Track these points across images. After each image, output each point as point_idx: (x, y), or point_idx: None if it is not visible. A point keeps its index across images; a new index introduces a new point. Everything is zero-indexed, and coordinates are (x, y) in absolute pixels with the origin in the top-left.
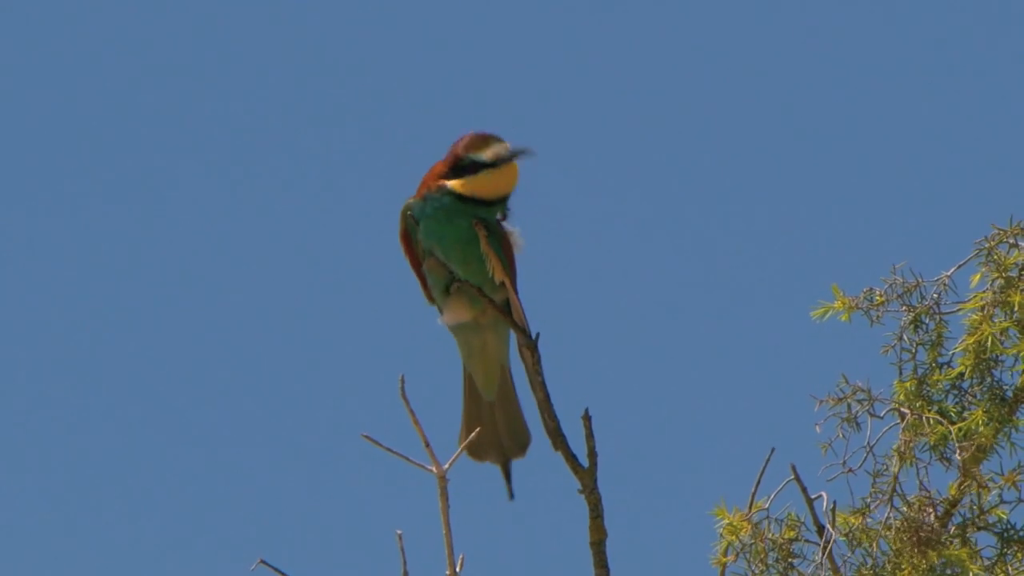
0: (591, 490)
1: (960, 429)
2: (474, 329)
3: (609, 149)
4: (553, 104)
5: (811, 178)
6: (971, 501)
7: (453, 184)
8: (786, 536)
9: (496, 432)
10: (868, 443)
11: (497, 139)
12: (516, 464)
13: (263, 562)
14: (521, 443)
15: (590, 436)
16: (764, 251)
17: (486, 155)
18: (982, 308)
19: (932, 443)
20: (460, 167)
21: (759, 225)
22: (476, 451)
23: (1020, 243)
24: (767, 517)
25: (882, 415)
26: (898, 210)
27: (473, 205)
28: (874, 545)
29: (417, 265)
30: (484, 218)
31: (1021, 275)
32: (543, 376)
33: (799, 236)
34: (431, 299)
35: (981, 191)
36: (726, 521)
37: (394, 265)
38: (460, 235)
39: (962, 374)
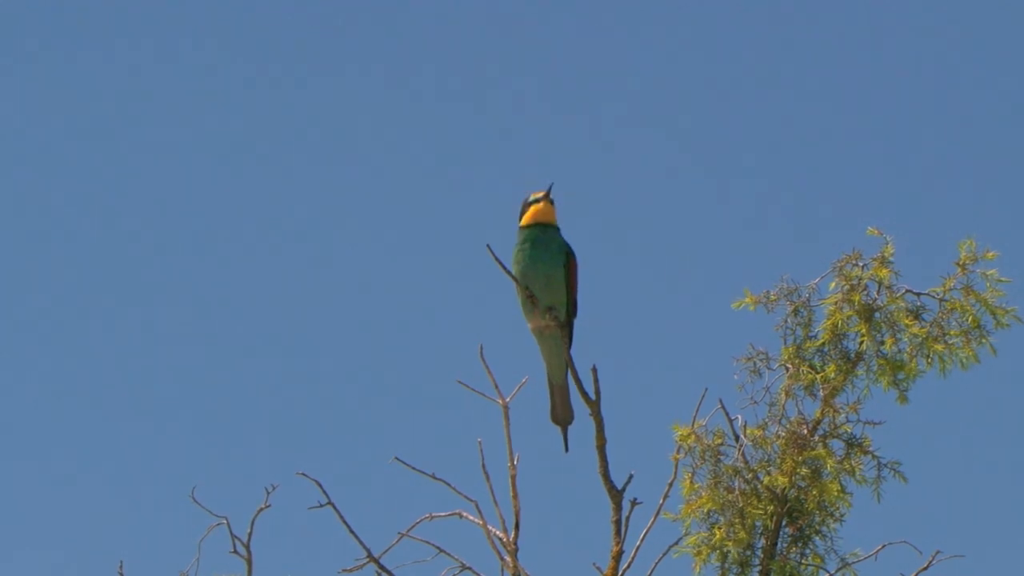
0: (597, 413)
1: (822, 377)
2: (543, 334)
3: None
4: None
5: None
6: (829, 420)
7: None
8: (715, 442)
9: (561, 405)
10: (766, 385)
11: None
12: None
13: (397, 459)
14: (571, 416)
15: (596, 381)
16: (703, 265)
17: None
18: (835, 303)
19: (805, 385)
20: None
21: (699, 247)
22: (553, 418)
23: (858, 263)
24: (704, 431)
25: (774, 368)
26: (786, 239)
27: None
28: (769, 447)
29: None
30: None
31: (859, 283)
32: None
33: (727, 255)
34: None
35: (838, 225)
36: (679, 433)
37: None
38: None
39: (823, 343)
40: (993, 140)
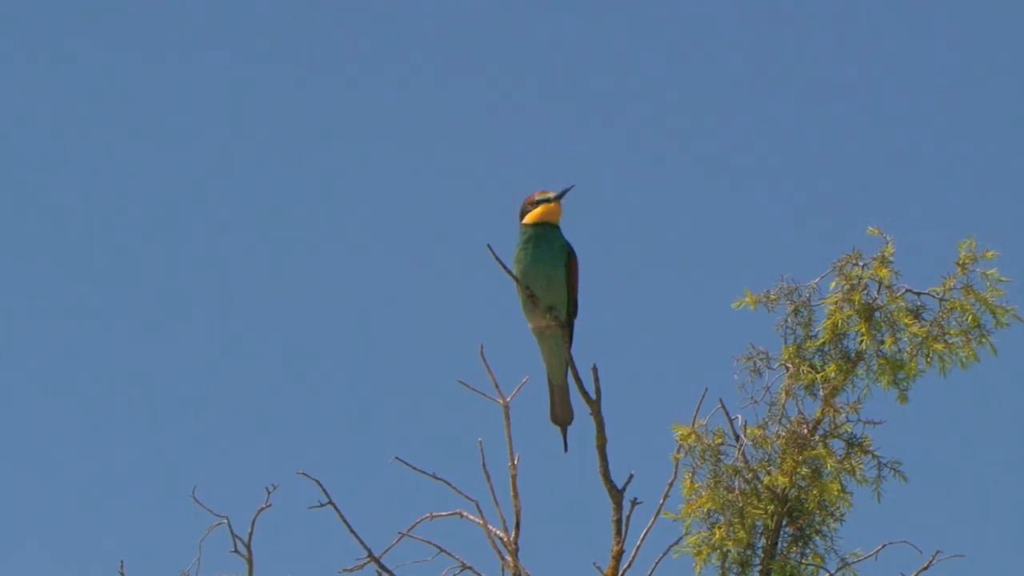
0: (597, 413)
1: (822, 376)
2: (544, 334)
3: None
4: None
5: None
6: (829, 420)
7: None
8: (716, 442)
9: (561, 405)
10: (766, 385)
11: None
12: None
13: (398, 459)
14: (571, 416)
15: (596, 381)
16: (704, 264)
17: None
18: (835, 303)
19: (805, 385)
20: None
21: (699, 246)
22: (553, 418)
23: (858, 263)
24: (705, 430)
25: (775, 368)
26: (786, 239)
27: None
28: (770, 447)
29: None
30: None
31: (859, 282)
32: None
33: (727, 255)
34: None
35: (838, 224)
36: (680, 433)
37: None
38: (544, 266)
39: (823, 343)
40: (993, 140)
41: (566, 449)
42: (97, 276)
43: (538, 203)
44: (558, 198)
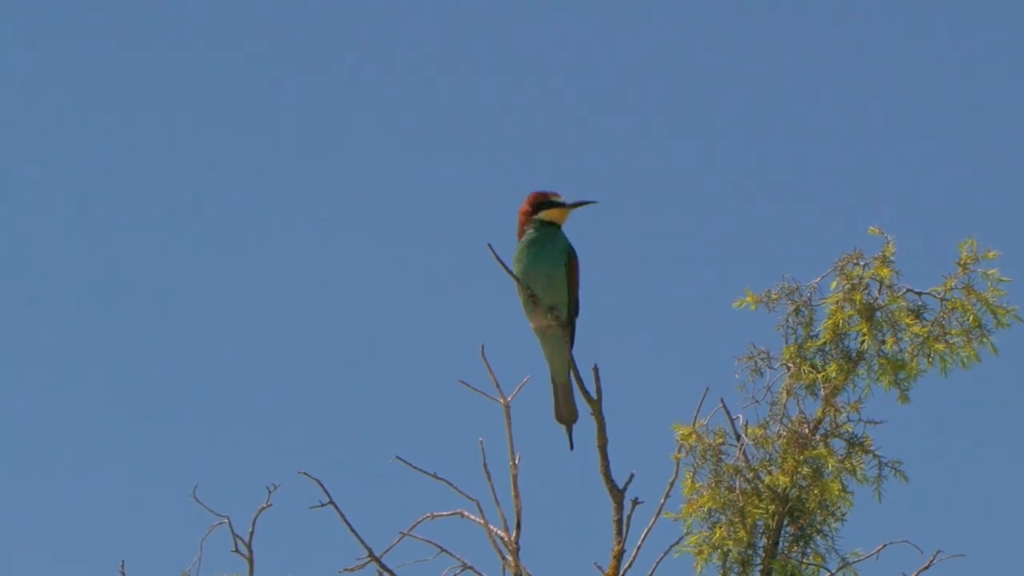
0: (598, 413)
1: (823, 376)
2: (546, 334)
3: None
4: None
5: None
6: (830, 420)
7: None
8: (716, 441)
9: (565, 403)
10: (767, 385)
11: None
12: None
13: (398, 458)
14: (575, 414)
15: (597, 380)
16: (704, 264)
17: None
18: (836, 302)
19: (806, 385)
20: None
21: (700, 246)
22: (557, 416)
23: (859, 262)
24: (706, 430)
25: (776, 367)
26: (787, 238)
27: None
28: (771, 447)
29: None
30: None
31: (860, 282)
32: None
33: (728, 255)
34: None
35: (839, 224)
36: (681, 432)
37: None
38: (545, 266)
39: (824, 342)
40: (993, 140)
41: (571, 447)
42: (97, 276)
43: (553, 204)
44: (573, 207)
